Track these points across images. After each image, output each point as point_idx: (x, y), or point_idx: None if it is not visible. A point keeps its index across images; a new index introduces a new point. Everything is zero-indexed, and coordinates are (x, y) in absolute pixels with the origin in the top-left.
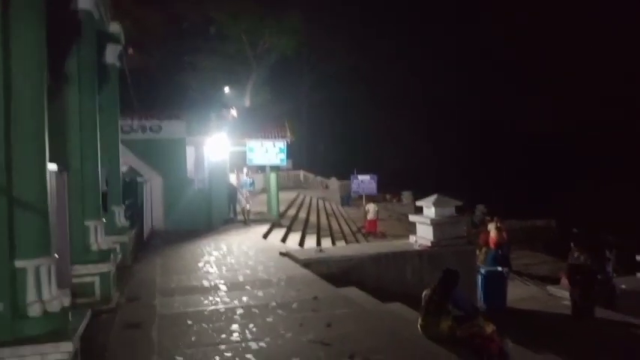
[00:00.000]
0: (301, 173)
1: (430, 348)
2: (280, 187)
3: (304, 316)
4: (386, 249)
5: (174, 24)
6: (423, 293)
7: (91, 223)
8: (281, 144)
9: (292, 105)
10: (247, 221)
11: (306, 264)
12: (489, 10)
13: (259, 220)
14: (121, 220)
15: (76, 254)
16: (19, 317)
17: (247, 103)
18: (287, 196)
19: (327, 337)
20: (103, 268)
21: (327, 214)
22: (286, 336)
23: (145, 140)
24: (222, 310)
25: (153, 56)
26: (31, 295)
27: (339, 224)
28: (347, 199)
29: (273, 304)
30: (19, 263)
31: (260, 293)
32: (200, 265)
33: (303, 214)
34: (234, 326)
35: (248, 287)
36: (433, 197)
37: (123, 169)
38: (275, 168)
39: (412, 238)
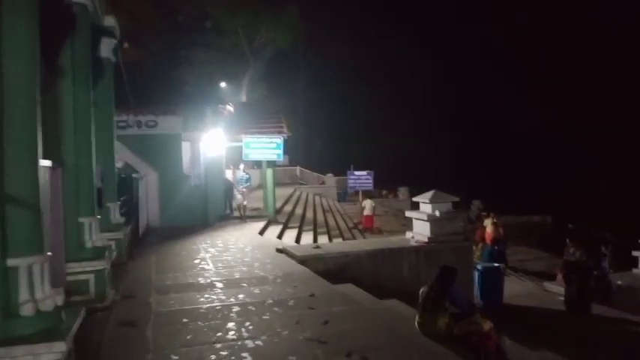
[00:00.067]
0: (298, 169)
1: (428, 345)
2: (277, 183)
3: (301, 314)
4: (382, 245)
5: (169, 17)
6: (421, 290)
7: (85, 220)
8: (278, 139)
9: (289, 101)
10: (243, 217)
11: (303, 261)
12: (489, 10)
13: (256, 216)
14: (116, 216)
15: (70, 251)
16: (10, 317)
17: (244, 98)
18: (283, 192)
19: (323, 334)
20: (98, 265)
21: (323, 210)
22: (283, 334)
23: (140, 136)
24: (219, 307)
25: (148, 50)
26: (23, 294)
27: (336, 220)
28: (343, 195)
29: (270, 301)
30: (10, 262)
31: (256, 290)
32: (196, 261)
33: (299, 210)
34: (230, 324)
35: (244, 284)
36: (430, 193)
37: (118, 165)
38: (272, 164)
39: (409, 234)
